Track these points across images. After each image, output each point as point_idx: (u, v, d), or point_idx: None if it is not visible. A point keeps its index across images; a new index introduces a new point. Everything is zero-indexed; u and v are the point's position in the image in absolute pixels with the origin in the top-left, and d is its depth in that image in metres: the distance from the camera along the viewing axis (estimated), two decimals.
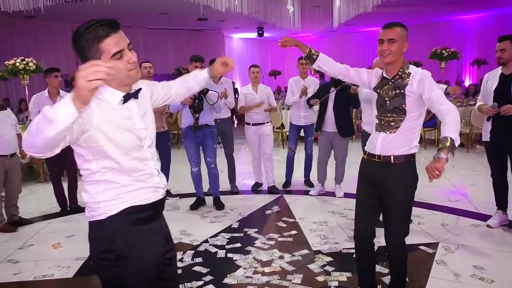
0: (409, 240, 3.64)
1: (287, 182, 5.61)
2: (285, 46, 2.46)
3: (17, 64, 7.00)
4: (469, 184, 5.49)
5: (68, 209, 4.91)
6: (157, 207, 1.69)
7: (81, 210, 4.88)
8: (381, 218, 2.53)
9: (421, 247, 3.50)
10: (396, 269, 2.53)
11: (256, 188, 5.50)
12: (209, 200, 4.90)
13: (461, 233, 3.79)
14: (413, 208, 3.95)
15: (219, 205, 4.78)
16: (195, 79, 2.01)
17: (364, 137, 4.03)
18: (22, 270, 3.38)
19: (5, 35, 11.27)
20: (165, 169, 5.06)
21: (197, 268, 3.28)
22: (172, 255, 1.80)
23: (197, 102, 4.40)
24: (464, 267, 3.11)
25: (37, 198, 5.62)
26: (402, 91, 2.29)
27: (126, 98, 1.54)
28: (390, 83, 2.34)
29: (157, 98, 1.85)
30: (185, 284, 3.01)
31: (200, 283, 3.03)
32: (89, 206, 1.59)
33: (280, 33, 15.92)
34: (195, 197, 4.90)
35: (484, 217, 4.08)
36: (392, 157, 2.34)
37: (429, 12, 12.77)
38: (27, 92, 8.02)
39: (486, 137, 3.83)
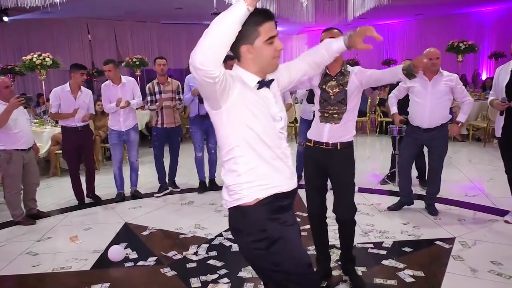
0: (426, 235, 3.64)
1: (299, 177, 5.59)
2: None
3: (34, 59, 7.11)
4: (486, 179, 5.40)
5: (86, 200, 5.01)
6: (294, 195, 1.73)
7: (98, 203, 4.98)
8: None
9: (438, 242, 3.47)
10: (346, 236, 2.90)
11: None
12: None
13: (478, 228, 3.74)
14: None
15: (213, 186, 5.28)
16: (328, 49, 1.91)
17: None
18: (41, 262, 3.44)
19: (21, 31, 11.45)
20: (174, 162, 5.36)
21: (211, 262, 3.30)
22: None
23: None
24: (481, 262, 3.07)
25: (54, 191, 5.71)
26: (345, 87, 2.59)
27: (261, 84, 1.65)
28: (333, 79, 2.61)
29: (283, 82, 1.90)
30: (200, 277, 3.04)
31: (214, 276, 3.06)
32: (231, 189, 1.63)
33: (294, 26, 15.90)
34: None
35: (502, 212, 4.02)
36: (338, 143, 2.67)
37: (446, 4, 12.52)
38: (44, 87, 8.16)
39: (498, 132, 3.76)
